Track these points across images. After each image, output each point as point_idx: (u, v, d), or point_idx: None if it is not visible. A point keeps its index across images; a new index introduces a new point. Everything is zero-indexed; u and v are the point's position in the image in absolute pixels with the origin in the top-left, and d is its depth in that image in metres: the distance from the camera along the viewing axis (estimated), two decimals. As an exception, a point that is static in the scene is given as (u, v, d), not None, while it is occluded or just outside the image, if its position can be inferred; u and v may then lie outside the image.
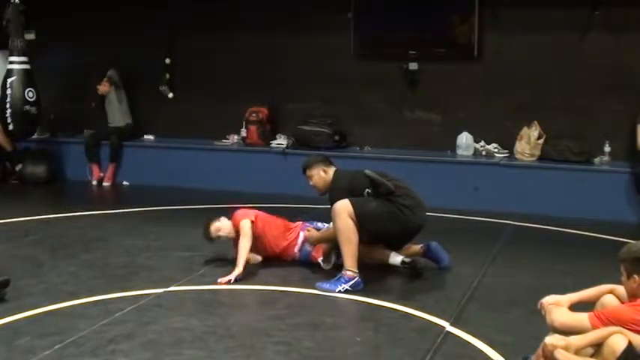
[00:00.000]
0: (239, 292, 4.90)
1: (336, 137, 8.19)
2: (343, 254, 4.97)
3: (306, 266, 5.46)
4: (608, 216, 6.87)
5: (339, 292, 4.86)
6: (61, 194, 8.68)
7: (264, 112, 8.51)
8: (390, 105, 8.20)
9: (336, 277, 4.94)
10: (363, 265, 5.48)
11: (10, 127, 8.42)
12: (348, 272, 4.92)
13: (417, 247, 5.47)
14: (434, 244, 5.44)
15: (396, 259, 5.23)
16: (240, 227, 5.26)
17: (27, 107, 8.35)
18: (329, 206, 5.16)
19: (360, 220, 4.94)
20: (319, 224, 5.53)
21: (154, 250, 5.87)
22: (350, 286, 4.88)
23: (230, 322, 4.34)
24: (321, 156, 5.63)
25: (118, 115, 8.86)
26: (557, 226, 6.69)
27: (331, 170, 5.36)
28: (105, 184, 8.73)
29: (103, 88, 8.74)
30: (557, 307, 3.34)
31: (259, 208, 5.73)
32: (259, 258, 5.52)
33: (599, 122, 7.39)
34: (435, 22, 7.93)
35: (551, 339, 3.10)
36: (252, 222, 5.34)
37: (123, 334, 4.11)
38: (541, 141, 7.52)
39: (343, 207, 4.95)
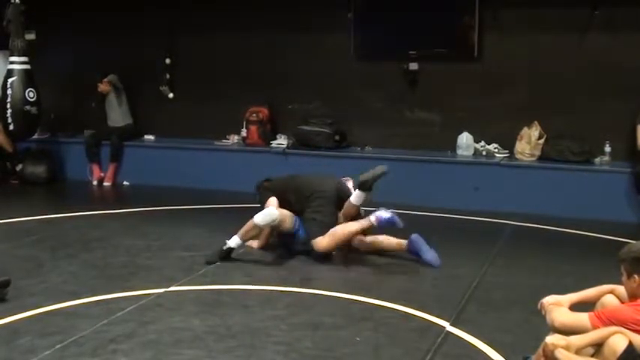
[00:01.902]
0: (239, 292, 4.90)
1: (336, 137, 8.19)
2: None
3: (306, 266, 5.48)
4: (608, 216, 6.87)
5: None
6: (61, 194, 8.68)
7: (264, 112, 8.51)
8: (390, 105, 8.19)
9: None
10: (362, 265, 5.51)
11: (11, 127, 8.42)
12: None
13: (399, 242, 5.60)
14: (414, 237, 5.53)
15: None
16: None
17: (27, 107, 8.35)
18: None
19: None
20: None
21: (154, 249, 5.88)
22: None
23: (230, 321, 4.34)
24: (263, 180, 6.15)
25: (117, 116, 8.87)
26: (557, 226, 6.69)
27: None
28: (105, 183, 8.73)
29: (103, 87, 8.74)
30: (557, 307, 3.34)
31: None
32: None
33: (599, 122, 7.38)
34: (435, 22, 7.93)
35: (551, 339, 3.10)
36: None
37: (123, 334, 4.11)
38: (541, 141, 7.52)
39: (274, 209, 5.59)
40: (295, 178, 5.96)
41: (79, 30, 8.94)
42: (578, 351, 3.07)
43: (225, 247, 5.51)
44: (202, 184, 8.23)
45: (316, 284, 5.06)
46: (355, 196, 5.60)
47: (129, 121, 8.97)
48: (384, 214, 5.40)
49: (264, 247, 5.85)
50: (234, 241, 5.53)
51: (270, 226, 5.62)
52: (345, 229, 5.55)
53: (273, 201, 5.72)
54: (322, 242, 5.50)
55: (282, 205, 5.70)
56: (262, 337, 4.11)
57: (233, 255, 5.56)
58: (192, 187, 8.23)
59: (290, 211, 5.69)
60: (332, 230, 5.53)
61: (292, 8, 8.15)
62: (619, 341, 3.01)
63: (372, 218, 5.42)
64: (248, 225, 5.51)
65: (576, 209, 6.99)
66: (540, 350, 3.14)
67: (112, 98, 8.82)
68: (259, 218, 5.46)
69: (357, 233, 5.58)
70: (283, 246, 5.83)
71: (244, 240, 5.58)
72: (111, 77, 8.73)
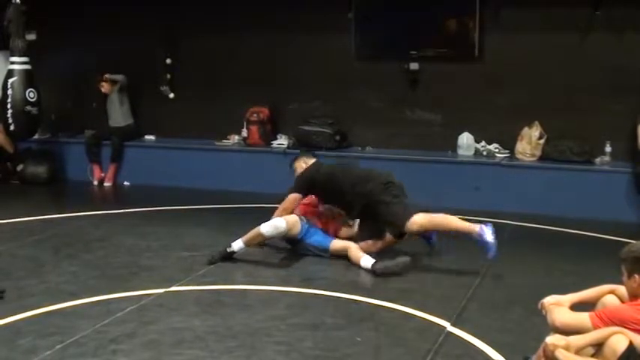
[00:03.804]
0: (240, 292, 4.91)
1: (337, 137, 8.19)
2: None
3: (306, 266, 5.48)
4: (608, 216, 6.87)
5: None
6: (62, 194, 8.68)
7: (265, 112, 8.51)
8: (391, 105, 8.19)
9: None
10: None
11: (12, 127, 8.42)
12: None
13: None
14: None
15: (366, 262, 5.35)
16: None
17: (28, 108, 8.35)
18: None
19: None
20: None
21: (155, 250, 5.88)
22: None
23: (231, 322, 4.35)
24: (305, 150, 6.11)
25: (118, 115, 8.87)
26: (557, 226, 6.69)
27: (310, 161, 5.92)
28: (106, 184, 8.73)
29: (107, 87, 8.77)
30: (558, 306, 3.35)
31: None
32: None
33: (600, 122, 7.38)
34: (435, 22, 7.94)
35: (552, 339, 3.10)
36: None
37: (124, 334, 4.12)
38: (542, 141, 7.52)
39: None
40: (353, 172, 5.80)
41: (79, 30, 8.93)
42: (579, 351, 3.08)
43: (228, 250, 5.50)
44: (202, 184, 8.22)
45: (317, 284, 5.06)
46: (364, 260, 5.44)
47: (130, 121, 8.97)
48: (488, 234, 5.22)
49: (262, 246, 5.82)
50: (237, 245, 5.50)
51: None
52: (447, 218, 5.42)
53: (292, 199, 5.68)
54: (418, 219, 5.33)
55: (329, 201, 5.70)
56: (263, 337, 4.11)
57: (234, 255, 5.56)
58: (193, 187, 8.23)
59: (341, 204, 5.69)
60: (431, 213, 5.45)
61: (292, 8, 8.14)
62: (619, 341, 3.01)
63: (478, 229, 5.27)
64: (254, 232, 5.47)
65: (576, 209, 6.99)
66: (540, 350, 3.14)
67: (114, 98, 8.83)
68: (266, 229, 5.42)
69: (456, 229, 5.43)
70: (291, 245, 5.80)
71: (248, 246, 5.55)
72: (120, 77, 8.77)
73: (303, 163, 5.98)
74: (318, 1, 8.08)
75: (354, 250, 5.51)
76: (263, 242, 5.80)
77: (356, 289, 4.92)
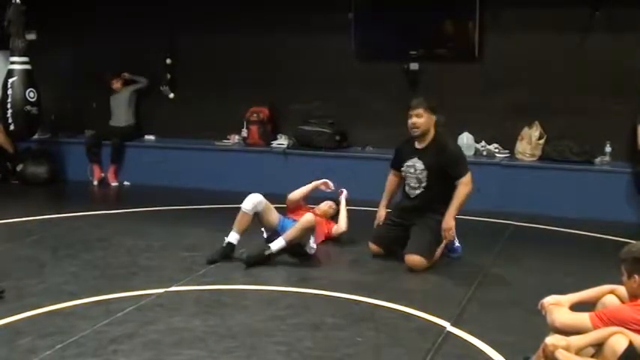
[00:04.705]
0: (240, 292, 4.91)
1: (337, 137, 8.19)
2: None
3: (306, 266, 5.47)
4: (608, 216, 6.88)
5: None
6: (62, 194, 8.68)
7: (265, 112, 8.52)
8: (391, 105, 8.16)
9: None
10: (363, 266, 5.50)
11: (12, 127, 8.42)
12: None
13: None
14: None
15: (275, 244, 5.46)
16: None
17: (28, 107, 8.34)
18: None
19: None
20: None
21: (154, 250, 5.88)
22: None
23: (231, 322, 4.35)
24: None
25: (122, 115, 8.89)
26: (557, 226, 6.70)
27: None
28: (113, 184, 8.71)
29: (118, 85, 8.81)
30: (557, 307, 3.35)
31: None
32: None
33: (600, 122, 7.38)
34: (436, 23, 7.94)
35: (551, 339, 3.10)
36: None
37: (124, 334, 4.12)
38: (542, 141, 7.52)
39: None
40: None
41: (79, 30, 8.95)
42: (579, 351, 3.07)
43: (224, 244, 5.51)
44: (202, 184, 8.23)
45: (317, 284, 5.06)
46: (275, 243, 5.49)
47: (131, 122, 8.98)
48: (456, 239, 5.69)
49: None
50: (232, 237, 5.54)
51: (256, 212, 5.61)
52: (439, 247, 5.55)
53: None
54: (429, 264, 5.40)
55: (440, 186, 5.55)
56: (263, 338, 4.11)
57: (235, 254, 5.55)
58: (193, 187, 8.23)
59: (436, 198, 5.56)
60: (436, 254, 5.52)
61: (292, 8, 8.15)
62: (619, 341, 3.01)
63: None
64: (238, 215, 5.57)
65: (576, 209, 7.00)
66: (540, 350, 3.14)
67: (123, 98, 8.87)
68: (244, 204, 5.57)
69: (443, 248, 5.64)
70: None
71: (240, 231, 5.55)
72: (141, 79, 8.86)
73: (431, 120, 5.77)
74: (318, 1, 8.09)
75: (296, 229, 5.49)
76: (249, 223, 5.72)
77: (356, 289, 4.91)
